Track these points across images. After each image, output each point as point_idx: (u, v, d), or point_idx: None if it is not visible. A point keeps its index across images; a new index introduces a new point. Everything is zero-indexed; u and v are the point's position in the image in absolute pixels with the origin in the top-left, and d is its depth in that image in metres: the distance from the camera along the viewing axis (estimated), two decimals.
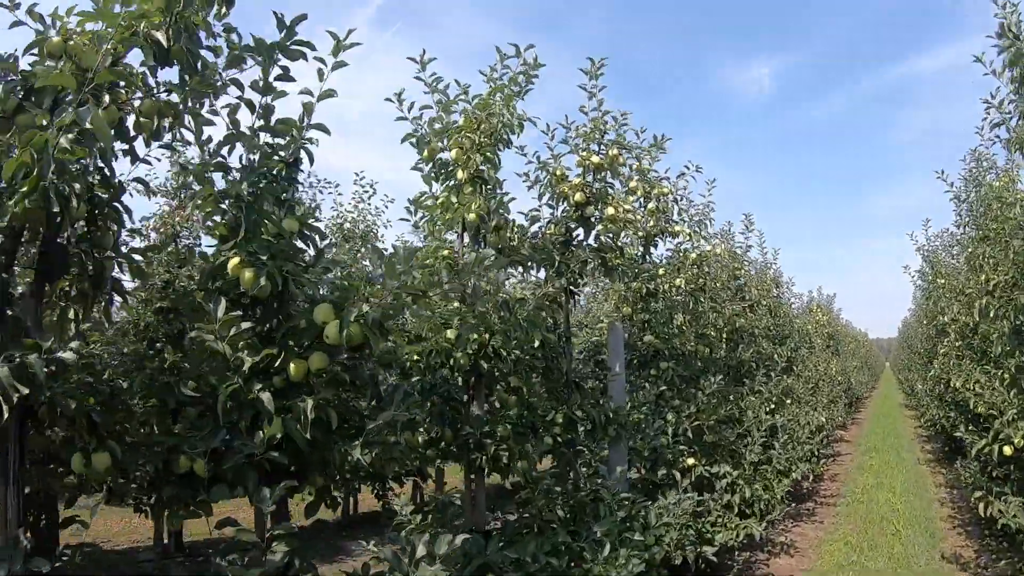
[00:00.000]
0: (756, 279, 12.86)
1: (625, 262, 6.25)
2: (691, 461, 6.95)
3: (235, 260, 3.04)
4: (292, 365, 3.04)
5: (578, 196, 5.94)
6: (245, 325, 2.95)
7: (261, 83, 3.15)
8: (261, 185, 3.13)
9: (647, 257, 7.60)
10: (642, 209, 7.55)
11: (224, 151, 3.19)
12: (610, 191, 6.04)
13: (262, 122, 3.22)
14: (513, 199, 4.78)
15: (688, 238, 9.24)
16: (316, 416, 2.92)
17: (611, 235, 5.96)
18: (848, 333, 31.42)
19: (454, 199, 4.67)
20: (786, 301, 15.49)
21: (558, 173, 5.97)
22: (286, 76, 3.20)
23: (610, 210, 5.86)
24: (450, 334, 4.44)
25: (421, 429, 4.39)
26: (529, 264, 5.43)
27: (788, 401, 12.59)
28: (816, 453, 11.71)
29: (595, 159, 5.95)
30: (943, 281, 12.94)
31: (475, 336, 4.43)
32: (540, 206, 6.13)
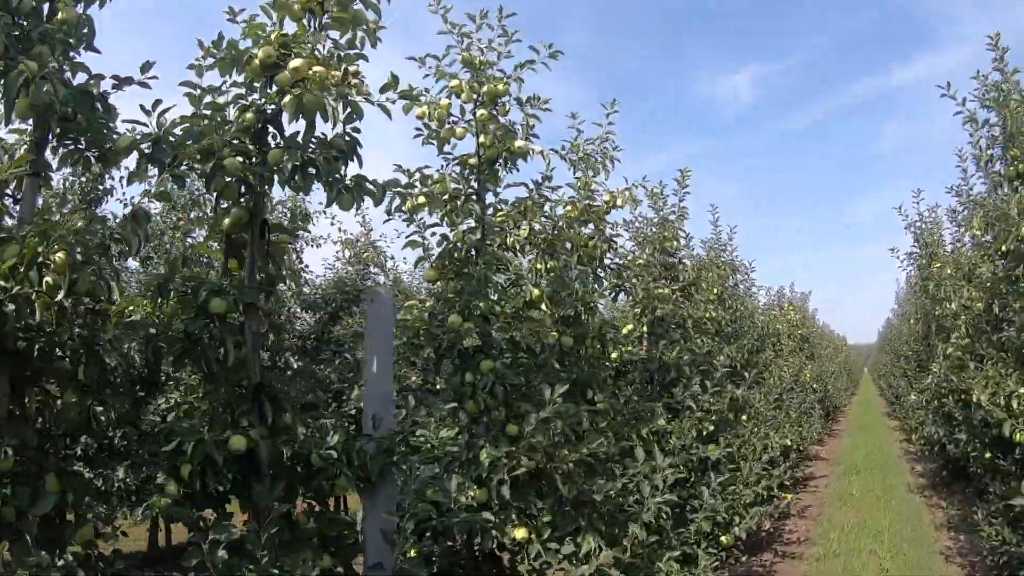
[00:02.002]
0: (704, 261, 9.93)
1: (378, 187, 3.33)
2: (520, 533, 4.01)
3: None
4: None
5: (263, 53, 3.07)
6: None
7: None
8: None
9: (480, 195, 4.70)
10: (471, 116, 4.66)
11: None
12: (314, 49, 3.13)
13: None
14: None
15: (570, 174, 6.30)
16: None
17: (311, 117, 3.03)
18: (825, 336, 28.63)
19: None
20: (748, 291, 12.56)
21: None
22: None
23: (296, 62, 2.96)
24: None
25: None
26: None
27: (744, 418, 9.66)
28: (774, 490, 8.74)
29: None
30: (939, 266, 10.08)
31: None
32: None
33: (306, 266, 11.89)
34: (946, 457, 11.27)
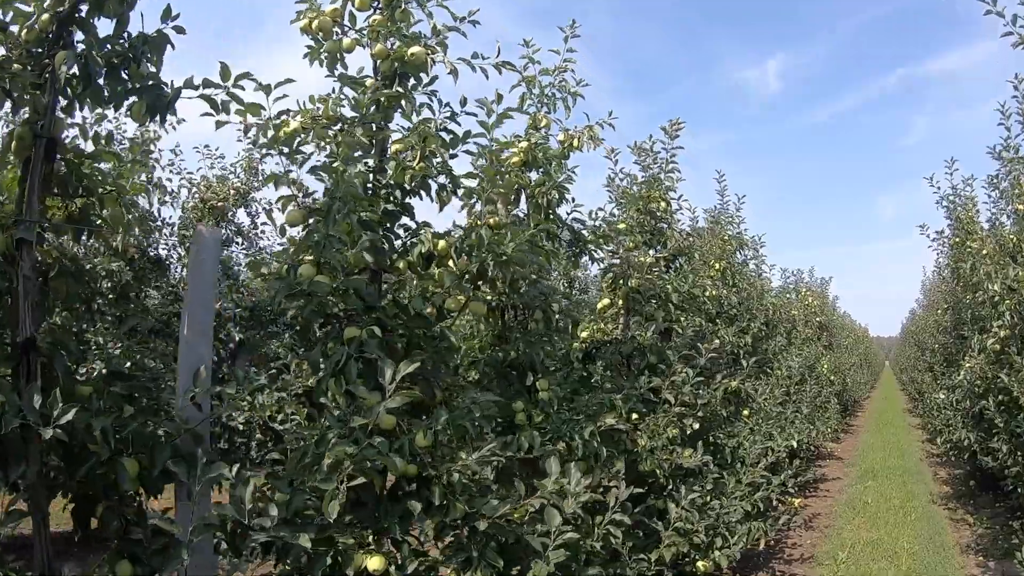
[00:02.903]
0: (700, 229, 8.59)
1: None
2: (374, 564, 2.77)
3: None
4: None
5: None
6: None
7: None
8: None
9: (378, 122, 3.45)
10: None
11: None
12: None
13: None
14: None
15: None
16: None
17: None
18: (845, 325, 27.12)
19: None
20: (759, 270, 11.18)
21: None
22: None
23: None
24: None
25: None
26: None
27: (745, 413, 8.34)
28: (774, 501, 7.40)
29: None
30: (976, 243, 8.66)
31: None
32: None
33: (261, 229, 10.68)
34: (975, 464, 9.91)
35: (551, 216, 5.16)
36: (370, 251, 3.36)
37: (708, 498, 5.67)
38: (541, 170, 5.10)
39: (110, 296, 5.69)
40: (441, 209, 4.09)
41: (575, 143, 5.37)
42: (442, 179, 3.96)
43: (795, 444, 8.06)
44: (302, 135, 3.54)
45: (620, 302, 6.42)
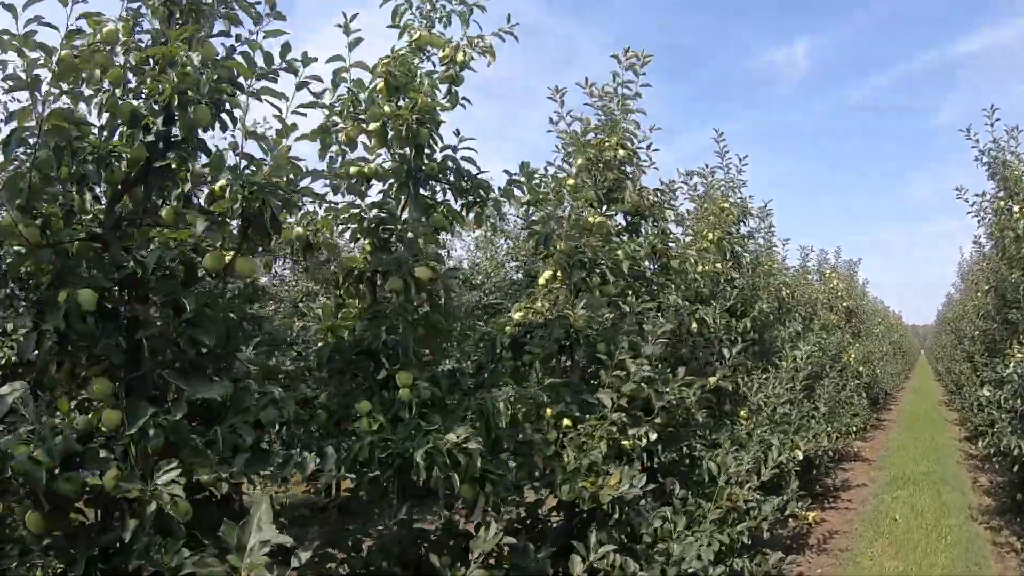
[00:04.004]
0: (670, 185, 7.03)
1: None
2: None
3: None
4: None
5: None
6: None
7: None
8: None
9: None
10: None
11: None
12: None
13: None
14: None
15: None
16: None
17: None
18: (877, 311, 25.24)
19: None
20: (768, 244, 9.54)
21: None
22: None
23: None
24: None
25: None
26: None
27: (742, 414, 6.78)
28: (765, 533, 5.78)
29: None
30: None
31: None
32: None
33: None
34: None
35: (421, 154, 3.70)
36: None
37: (657, 535, 4.16)
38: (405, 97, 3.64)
39: None
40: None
41: (459, 57, 3.86)
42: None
43: (799, 454, 6.49)
44: None
45: (560, 274, 4.90)
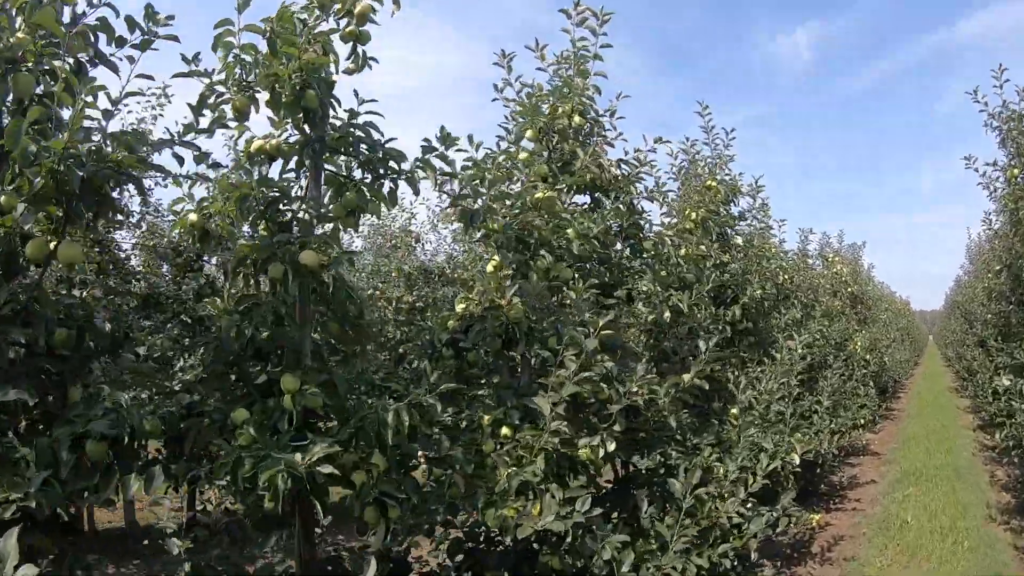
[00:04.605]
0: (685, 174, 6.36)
1: None
2: None
3: None
4: None
5: None
6: None
7: None
8: None
9: None
10: None
11: None
12: None
13: None
14: None
15: None
16: None
17: None
18: (884, 297, 24.44)
19: None
20: (760, 226, 8.77)
21: None
22: None
23: None
24: None
25: None
26: None
27: (733, 412, 6.05)
28: (753, 554, 5.01)
29: None
30: None
31: None
32: None
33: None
34: None
35: (317, 122, 3.03)
36: None
37: (615, 562, 3.44)
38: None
39: None
40: None
41: (357, 8, 3.18)
42: None
43: (797, 459, 5.74)
44: None
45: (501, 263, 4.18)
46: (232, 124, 3.26)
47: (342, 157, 3.48)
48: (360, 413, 3.05)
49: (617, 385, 3.94)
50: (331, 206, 3.41)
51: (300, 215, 3.35)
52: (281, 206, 3.31)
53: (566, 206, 4.84)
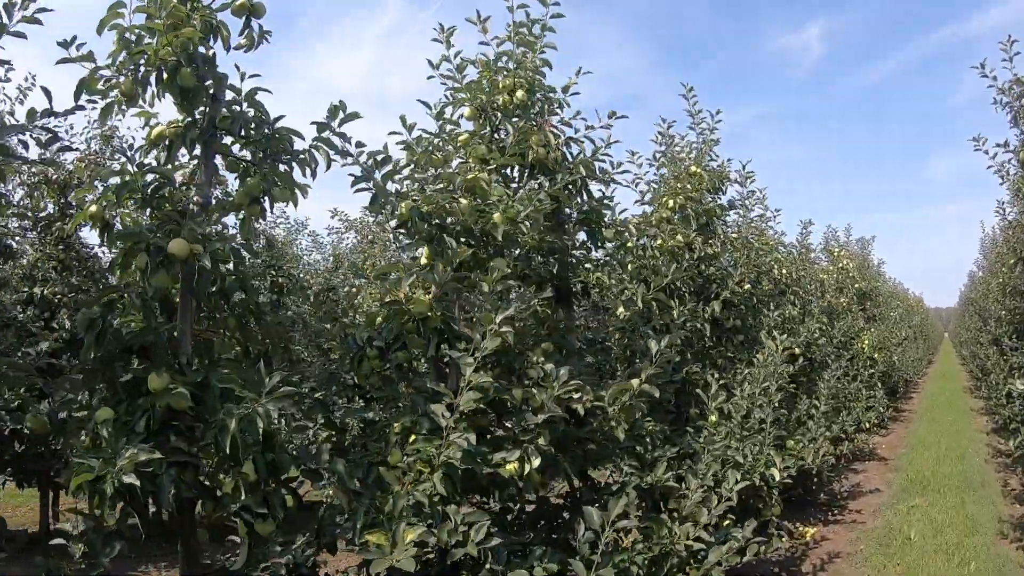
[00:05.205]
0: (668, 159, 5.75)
1: None
2: None
3: None
4: None
5: None
6: None
7: None
8: None
9: None
10: None
11: None
12: None
13: None
14: None
15: None
16: None
17: None
18: (895, 293, 23.66)
19: None
20: (750, 212, 8.13)
21: None
22: None
23: None
24: None
25: None
26: None
27: (712, 420, 5.44)
28: None
29: None
30: None
31: None
32: None
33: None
34: None
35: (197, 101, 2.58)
36: None
37: None
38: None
39: None
40: None
41: None
42: None
43: (777, 475, 5.07)
44: None
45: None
46: (126, 109, 3.13)
47: (233, 140, 3.13)
48: (215, 418, 2.73)
49: (545, 391, 3.32)
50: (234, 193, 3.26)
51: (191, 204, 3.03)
52: (167, 193, 3.10)
53: (525, 191, 4.23)
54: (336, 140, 3.42)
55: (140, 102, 3.11)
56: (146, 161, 3.18)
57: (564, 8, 4.40)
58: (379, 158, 3.65)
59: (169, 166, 3.17)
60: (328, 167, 3.48)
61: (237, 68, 3.18)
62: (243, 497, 2.80)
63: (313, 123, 3.40)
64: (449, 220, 3.72)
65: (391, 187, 3.68)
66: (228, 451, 2.62)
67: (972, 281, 24.91)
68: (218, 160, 3.30)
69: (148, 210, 3.11)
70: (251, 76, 3.18)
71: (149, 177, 3.06)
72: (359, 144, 3.56)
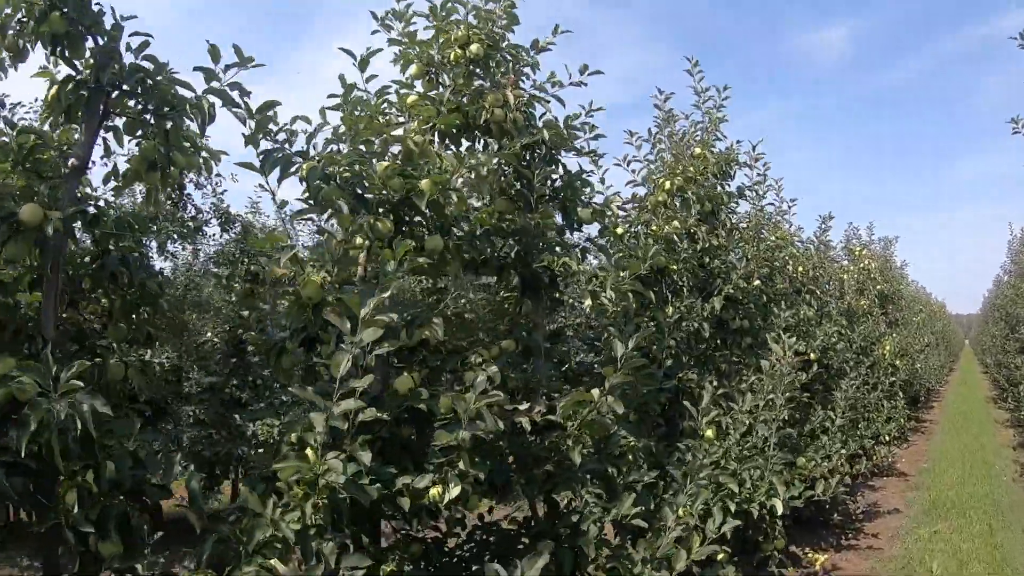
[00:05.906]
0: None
1: None
2: None
3: None
4: None
5: None
6: None
7: None
8: None
9: None
10: None
11: None
12: None
13: None
14: None
15: None
16: None
17: None
18: (918, 297, 22.70)
19: None
20: (758, 202, 7.27)
21: None
22: None
23: None
24: None
25: None
26: None
27: (708, 434, 4.64)
28: None
29: None
30: None
31: None
32: None
33: None
34: None
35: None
36: None
37: None
38: None
39: None
40: None
41: None
42: None
43: (779, 507, 4.28)
44: None
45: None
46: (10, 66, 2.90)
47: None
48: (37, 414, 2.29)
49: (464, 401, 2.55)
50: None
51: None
52: (43, 156, 2.80)
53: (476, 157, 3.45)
54: (235, 95, 2.74)
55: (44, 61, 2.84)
56: (45, 128, 2.89)
57: (579, 5, 3.64)
58: (317, 125, 2.95)
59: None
60: (212, 119, 2.80)
61: (113, 12, 2.75)
62: (74, 511, 2.40)
63: (196, 69, 2.72)
64: (371, 189, 2.97)
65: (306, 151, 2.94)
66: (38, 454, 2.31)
67: (998, 286, 23.89)
68: (120, 123, 2.91)
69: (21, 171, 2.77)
70: (129, 18, 2.72)
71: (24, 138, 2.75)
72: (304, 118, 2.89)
